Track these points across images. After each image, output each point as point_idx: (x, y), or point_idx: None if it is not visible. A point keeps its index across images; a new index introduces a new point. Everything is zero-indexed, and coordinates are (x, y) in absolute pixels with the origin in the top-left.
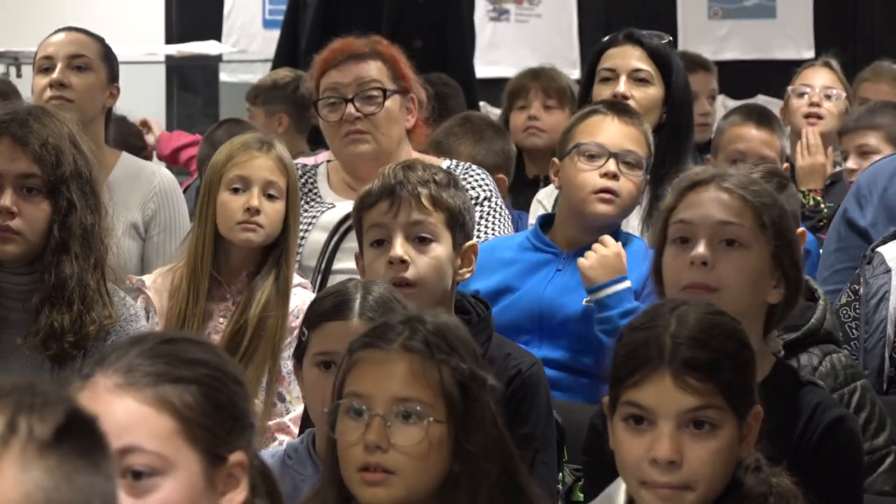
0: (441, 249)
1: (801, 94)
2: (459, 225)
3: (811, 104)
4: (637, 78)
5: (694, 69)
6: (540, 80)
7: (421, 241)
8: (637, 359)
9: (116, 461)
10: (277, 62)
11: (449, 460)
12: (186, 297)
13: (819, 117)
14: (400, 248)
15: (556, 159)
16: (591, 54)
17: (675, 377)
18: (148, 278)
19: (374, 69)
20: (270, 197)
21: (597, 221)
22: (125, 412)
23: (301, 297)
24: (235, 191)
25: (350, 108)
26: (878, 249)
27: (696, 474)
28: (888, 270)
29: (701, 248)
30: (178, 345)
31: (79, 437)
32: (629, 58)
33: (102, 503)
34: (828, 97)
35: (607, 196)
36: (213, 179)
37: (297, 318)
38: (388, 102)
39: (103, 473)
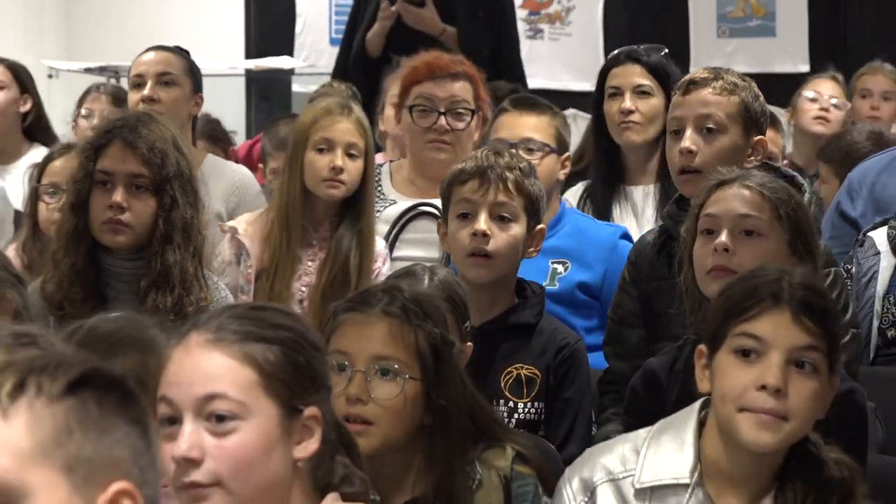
0: (518, 229)
1: (813, 100)
2: (535, 210)
3: (821, 109)
4: (640, 92)
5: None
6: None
7: (502, 220)
8: (757, 296)
9: (202, 406)
10: (335, 74)
11: (421, 413)
12: (279, 243)
13: (827, 121)
14: (484, 223)
15: None
16: (599, 73)
17: (793, 314)
18: (238, 225)
19: (464, 89)
20: (351, 156)
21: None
22: (213, 364)
23: (380, 244)
24: (321, 151)
25: (442, 121)
26: (870, 234)
27: (795, 407)
28: (877, 253)
29: (723, 237)
30: (265, 311)
31: (95, 391)
32: (631, 75)
33: (129, 448)
34: (835, 106)
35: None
36: (300, 140)
37: (376, 261)
38: (472, 123)
39: (127, 423)
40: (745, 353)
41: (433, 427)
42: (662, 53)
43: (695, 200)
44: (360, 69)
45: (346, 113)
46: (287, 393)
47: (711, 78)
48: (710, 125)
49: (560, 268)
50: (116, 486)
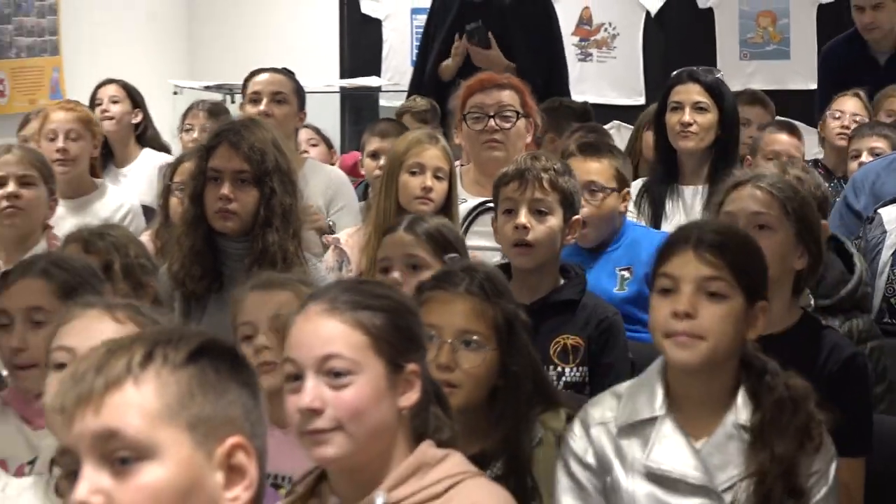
0: (554, 221)
1: (837, 118)
2: (570, 203)
3: (843, 126)
4: (697, 107)
5: (753, 103)
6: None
7: (539, 214)
8: (670, 244)
9: (321, 364)
10: (411, 91)
11: (495, 378)
12: (375, 251)
13: (848, 136)
14: (524, 217)
15: None
16: (662, 89)
17: (695, 251)
18: (342, 237)
19: (509, 96)
20: (438, 178)
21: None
22: (329, 329)
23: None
24: (413, 173)
25: (491, 123)
26: (879, 211)
27: (708, 328)
28: (884, 232)
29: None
30: (370, 284)
31: (212, 359)
32: (691, 93)
33: (241, 407)
34: (856, 122)
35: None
36: (395, 164)
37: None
38: (518, 122)
39: (239, 386)
40: (664, 291)
41: (504, 389)
42: (718, 75)
43: (715, 198)
44: (432, 90)
45: (434, 142)
46: (391, 352)
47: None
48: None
49: (626, 273)
50: (232, 440)
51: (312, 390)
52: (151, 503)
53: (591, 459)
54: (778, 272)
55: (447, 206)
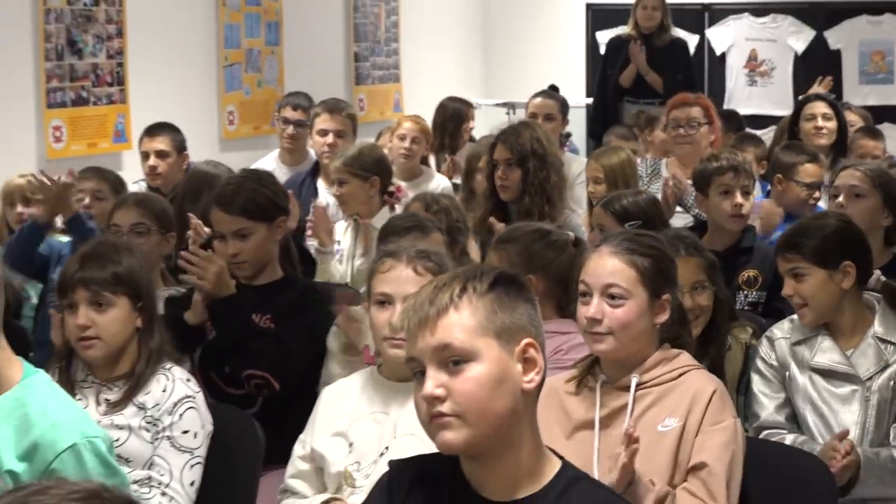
0: (751, 199)
1: None
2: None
3: None
4: (825, 117)
5: (866, 133)
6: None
7: (746, 195)
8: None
9: (605, 289)
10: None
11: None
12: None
13: None
14: (739, 198)
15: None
16: (797, 105)
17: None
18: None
19: (696, 111)
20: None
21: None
22: (611, 265)
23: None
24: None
25: (681, 130)
26: None
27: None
28: None
29: (840, 199)
30: (644, 237)
31: (505, 286)
32: (820, 108)
33: (528, 317)
34: None
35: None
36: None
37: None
38: (701, 129)
39: (525, 302)
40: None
41: (715, 313)
42: (832, 97)
43: (830, 178)
44: (619, 96)
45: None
46: (652, 286)
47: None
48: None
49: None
50: (525, 340)
51: (596, 306)
52: (477, 389)
53: (774, 361)
54: (868, 227)
55: None
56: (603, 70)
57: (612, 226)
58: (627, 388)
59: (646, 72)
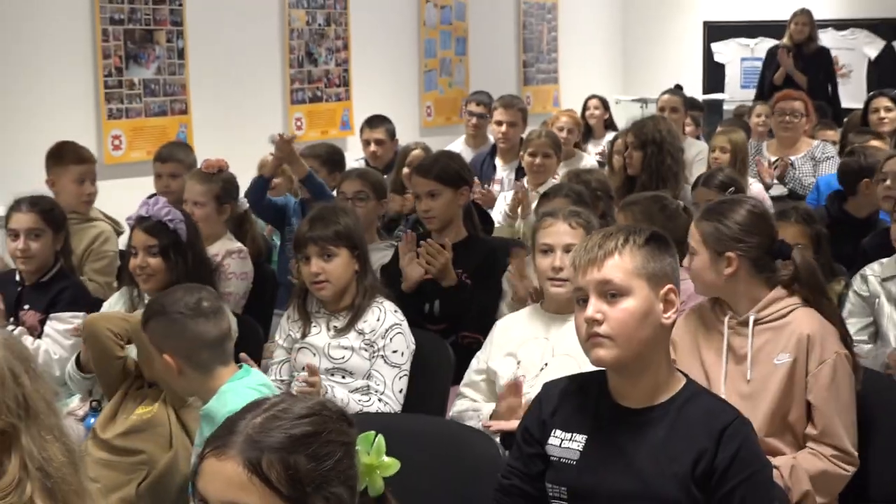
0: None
1: None
2: None
3: None
4: (887, 109)
5: None
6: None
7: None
8: None
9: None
10: (757, 98)
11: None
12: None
13: None
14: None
15: None
16: (866, 100)
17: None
18: None
19: (799, 104)
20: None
21: None
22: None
23: None
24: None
25: (787, 118)
26: None
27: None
28: None
29: (888, 181)
30: (723, 203)
31: (657, 242)
32: (883, 101)
33: (671, 267)
34: None
35: None
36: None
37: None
38: (801, 119)
39: (671, 256)
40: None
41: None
42: (894, 93)
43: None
44: (773, 92)
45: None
46: (718, 245)
47: None
48: None
49: None
50: (668, 286)
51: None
52: (628, 318)
53: (866, 293)
54: None
55: None
56: (763, 71)
57: (715, 196)
58: (747, 323)
59: (793, 73)
